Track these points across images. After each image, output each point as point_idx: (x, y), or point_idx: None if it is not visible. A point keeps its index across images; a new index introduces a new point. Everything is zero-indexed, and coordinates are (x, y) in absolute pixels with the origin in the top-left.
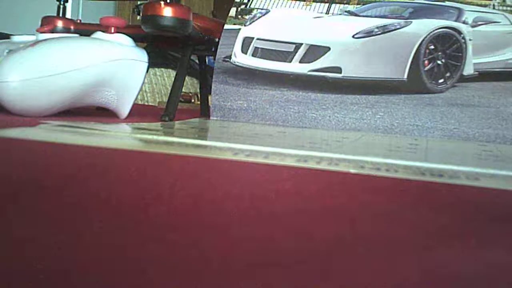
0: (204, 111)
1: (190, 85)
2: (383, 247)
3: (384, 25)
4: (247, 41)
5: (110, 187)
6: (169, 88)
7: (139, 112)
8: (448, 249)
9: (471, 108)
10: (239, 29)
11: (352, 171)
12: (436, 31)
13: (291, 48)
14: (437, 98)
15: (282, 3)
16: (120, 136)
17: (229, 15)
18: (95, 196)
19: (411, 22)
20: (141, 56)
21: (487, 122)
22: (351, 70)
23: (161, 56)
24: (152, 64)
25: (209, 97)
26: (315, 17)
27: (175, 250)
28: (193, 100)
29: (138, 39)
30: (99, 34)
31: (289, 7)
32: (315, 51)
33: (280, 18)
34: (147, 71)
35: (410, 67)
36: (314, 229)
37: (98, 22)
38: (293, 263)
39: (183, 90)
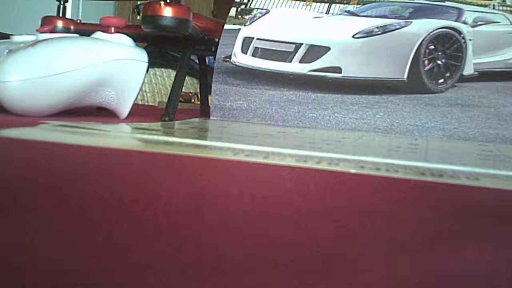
0: (204, 111)
1: (190, 85)
2: (383, 247)
3: (384, 25)
4: (247, 41)
5: (110, 187)
6: (169, 88)
7: (139, 112)
8: (448, 249)
9: (471, 108)
10: (239, 29)
11: (352, 171)
12: (436, 31)
13: (291, 48)
14: (437, 98)
15: (282, 3)
16: (120, 136)
17: (229, 15)
18: (95, 196)
19: (411, 22)
20: (141, 56)
21: (487, 122)
22: (351, 70)
23: (161, 56)
24: (152, 64)
25: (209, 97)
26: (315, 17)
27: (175, 250)
28: (193, 100)
29: (138, 39)
30: (99, 34)
31: (289, 7)
32: (315, 51)
33: (280, 18)
34: (147, 71)
35: (410, 67)
36: (314, 229)
37: (98, 22)
38: (293, 263)
39: (183, 90)
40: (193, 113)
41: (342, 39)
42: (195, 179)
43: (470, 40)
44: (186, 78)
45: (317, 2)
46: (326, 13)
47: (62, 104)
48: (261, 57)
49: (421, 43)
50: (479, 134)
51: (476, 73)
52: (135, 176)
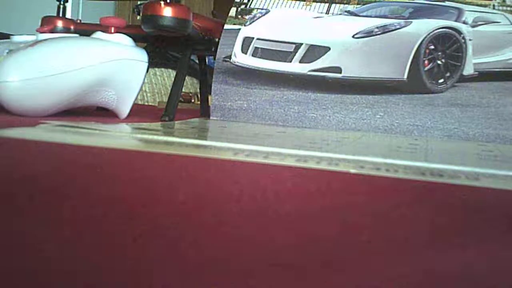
0: (204, 111)
1: (190, 85)
2: (383, 247)
3: (384, 25)
4: (247, 41)
5: (110, 187)
6: (169, 88)
7: (139, 112)
8: (448, 249)
9: (471, 108)
10: (239, 29)
11: (352, 171)
12: (436, 31)
13: (291, 48)
14: (437, 98)
15: (282, 3)
16: (120, 136)
17: (229, 15)
18: (95, 196)
19: (411, 22)
20: (141, 56)
21: (487, 122)
22: (351, 70)
23: (161, 56)
24: (152, 64)
25: (209, 97)
26: (315, 17)
27: (175, 250)
28: (193, 100)
29: (138, 39)
30: (99, 34)
31: (289, 7)
32: (315, 51)
33: (280, 18)
34: (147, 71)
35: (410, 67)
36: (314, 229)
37: (98, 22)
38: (293, 263)
39: (183, 90)
40: (193, 113)
41: (342, 39)
42: (195, 179)
43: (470, 40)
44: (186, 78)
45: (317, 2)
46: (326, 13)
47: (62, 104)
48: (261, 57)
49: (421, 43)
50: (479, 134)
51: (476, 73)
52: (135, 176)
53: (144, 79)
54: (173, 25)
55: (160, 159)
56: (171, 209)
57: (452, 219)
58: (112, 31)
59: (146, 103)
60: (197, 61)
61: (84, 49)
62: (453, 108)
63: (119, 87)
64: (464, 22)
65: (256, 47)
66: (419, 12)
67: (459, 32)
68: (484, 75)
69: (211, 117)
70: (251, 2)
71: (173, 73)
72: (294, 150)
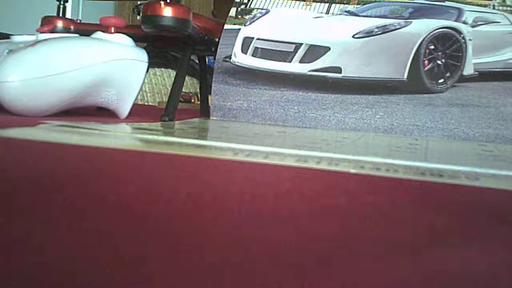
0: (204, 111)
1: (190, 85)
2: (383, 247)
3: (384, 25)
4: (247, 41)
5: (110, 187)
6: (169, 88)
7: (139, 112)
8: (448, 249)
9: (471, 108)
10: (239, 29)
11: (352, 171)
12: (436, 31)
13: (291, 48)
14: (437, 98)
15: (282, 3)
16: (120, 136)
17: (229, 15)
18: (95, 196)
19: (411, 22)
20: (141, 56)
21: (487, 122)
22: (351, 70)
23: (161, 56)
24: (152, 64)
25: (209, 97)
26: (315, 17)
27: (175, 251)
28: (193, 100)
29: (138, 39)
30: (99, 34)
31: (289, 7)
32: (315, 51)
33: (280, 18)
34: (147, 71)
35: (410, 67)
36: (314, 229)
37: (98, 22)
38: (293, 263)
39: (183, 90)
40: (193, 113)
41: (342, 39)
42: (195, 179)
43: (470, 40)
44: (186, 78)
45: (317, 2)
46: (326, 13)
47: (62, 104)
48: (261, 57)
49: (421, 43)
50: (479, 134)
51: (476, 73)
52: (135, 176)
53: (144, 79)
54: (173, 25)
55: (160, 159)
56: (171, 209)
57: (452, 219)
58: (112, 31)
59: (146, 103)
60: (197, 61)
61: (84, 49)
62: (453, 108)
63: (119, 87)
64: (464, 22)
65: (256, 47)
66: (419, 12)
67: (459, 32)
68: (484, 75)
69: (211, 117)
70: (251, 2)
71: (173, 73)
72: (294, 150)
